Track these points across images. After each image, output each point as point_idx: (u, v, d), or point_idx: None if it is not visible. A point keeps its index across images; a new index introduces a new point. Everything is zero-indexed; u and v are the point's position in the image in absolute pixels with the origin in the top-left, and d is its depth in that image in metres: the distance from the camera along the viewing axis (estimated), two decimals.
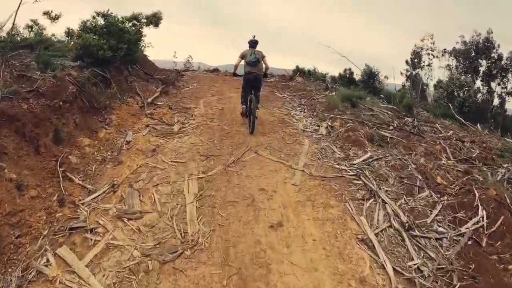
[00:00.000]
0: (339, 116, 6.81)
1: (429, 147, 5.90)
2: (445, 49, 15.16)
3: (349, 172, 4.57)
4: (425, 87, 15.41)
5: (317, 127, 6.39)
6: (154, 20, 8.55)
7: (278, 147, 5.26)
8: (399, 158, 5.09)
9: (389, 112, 8.04)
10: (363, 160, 4.92)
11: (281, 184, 4.25)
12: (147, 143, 5.16)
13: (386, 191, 4.25)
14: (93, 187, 3.99)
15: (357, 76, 12.54)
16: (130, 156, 4.76)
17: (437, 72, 16.67)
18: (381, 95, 10.35)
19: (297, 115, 7.21)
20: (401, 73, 16.37)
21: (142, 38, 8.64)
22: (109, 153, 4.79)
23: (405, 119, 7.22)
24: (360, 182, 4.37)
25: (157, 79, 9.05)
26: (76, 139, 4.72)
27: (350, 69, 12.55)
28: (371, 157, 5.02)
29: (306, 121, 6.78)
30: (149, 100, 7.16)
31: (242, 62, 5.65)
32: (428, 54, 15.57)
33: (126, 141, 5.14)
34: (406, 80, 16.73)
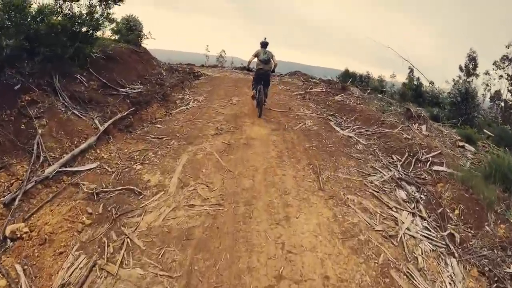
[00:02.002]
0: None
1: None
2: (505, 55, 13.16)
3: None
4: (479, 97, 13.47)
5: None
6: None
7: None
8: None
9: None
10: None
11: None
12: None
13: None
14: None
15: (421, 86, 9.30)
16: None
17: (495, 82, 14.51)
18: (486, 131, 6.56)
19: (413, 236, 3.22)
20: (453, 80, 13.08)
21: (105, 23, 4.73)
22: None
23: None
24: None
25: (122, 97, 4.44)
26: None
27: (419, 79, 9.07)
28: None
29: (450, 280, 2.82)
30: (49, 170, 2.84)
31: (255, 59, 5.86)
32: None
33: None
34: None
